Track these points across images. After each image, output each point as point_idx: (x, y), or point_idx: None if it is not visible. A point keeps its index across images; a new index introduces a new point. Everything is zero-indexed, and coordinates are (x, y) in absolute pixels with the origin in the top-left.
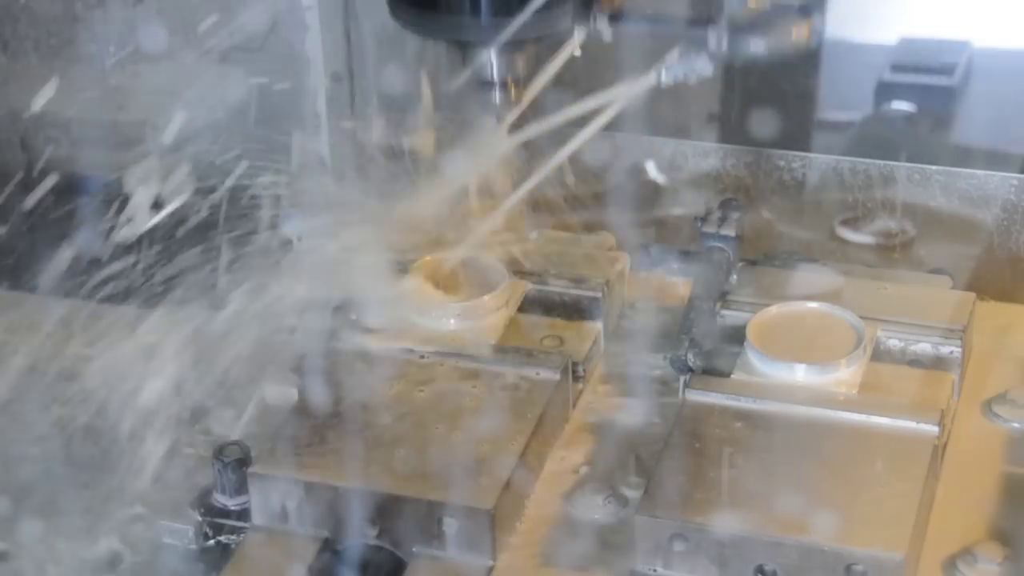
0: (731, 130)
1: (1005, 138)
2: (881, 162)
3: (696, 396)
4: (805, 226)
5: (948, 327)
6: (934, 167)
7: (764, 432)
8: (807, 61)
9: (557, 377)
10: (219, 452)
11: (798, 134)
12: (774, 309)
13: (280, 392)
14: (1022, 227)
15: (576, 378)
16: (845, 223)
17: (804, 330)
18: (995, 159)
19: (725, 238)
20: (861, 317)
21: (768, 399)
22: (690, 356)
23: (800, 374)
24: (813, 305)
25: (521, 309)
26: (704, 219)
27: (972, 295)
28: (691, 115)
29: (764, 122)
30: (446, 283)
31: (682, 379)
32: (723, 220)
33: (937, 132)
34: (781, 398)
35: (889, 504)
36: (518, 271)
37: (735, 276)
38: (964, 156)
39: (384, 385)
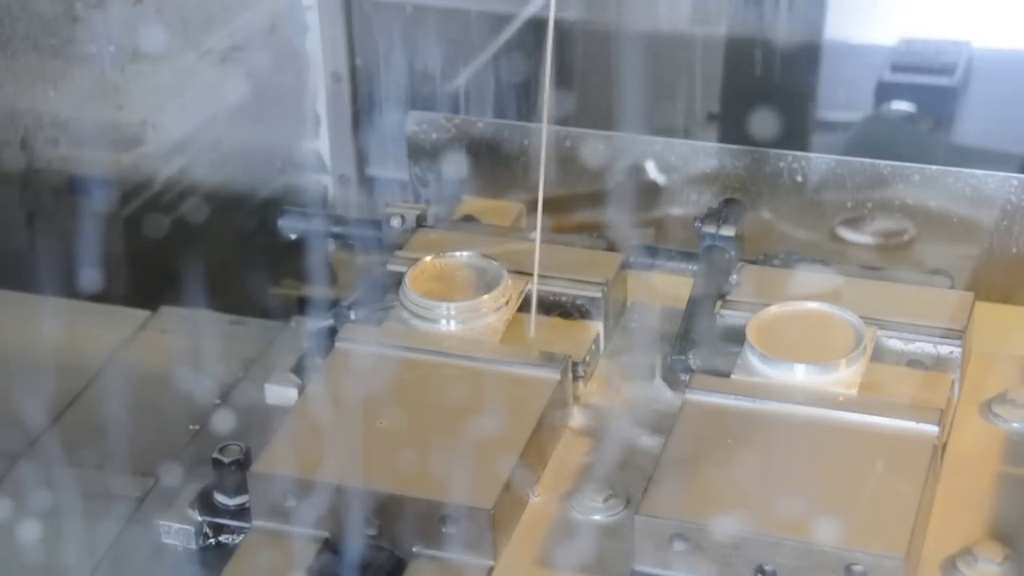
0: (731, 130)
1: (1005, 138)
2: (881, 162)
3: (696, 396)
4: (805, 227)
5: (948, 327)
6: (934, 167)
7: (764, 432)
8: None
9: (557, 377)
10: (219, 452)
11: (798, 134)
12: (774, 309)
13: (280, 392)
14: (1022, 228)
15: (576, 378)
16: (845, 223)
17: (804, 330)
18: (995, 159)
19: (725, 238)
20: (861, 317)
21: (768, 399)
22: (690, 356)
23: (800, 374)
24: (813, 305)
25: (521, 309)
26: (704, 219)
27: (971, 295)
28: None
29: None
30: (446, 283)
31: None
32: (723, 220)
33: (937, 132)
34: (781, 398)
35: (889, 504)
36: (518, 271)
37: (735, 276)
38: (964, 156)
39: (384, 385)
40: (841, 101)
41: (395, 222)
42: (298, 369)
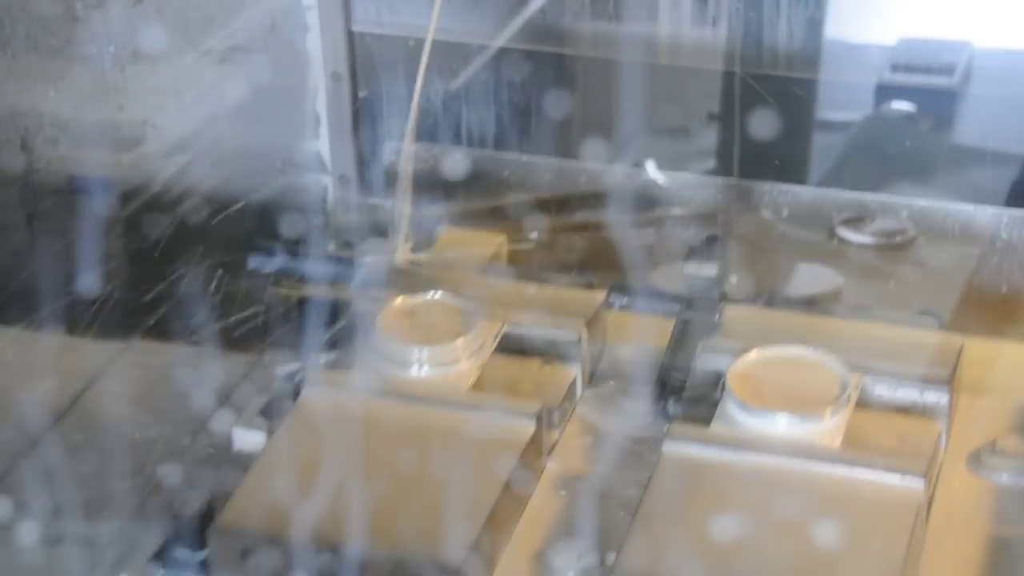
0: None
1: (1005, 138)
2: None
3: (674, 447)
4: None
5: (935, 373)
6: (922, 201)
7: (744, 486)
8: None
9: (532, 425)
10: (180, 503)
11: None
12: (755, 354)
13: (248, 437)
14: (1012, 264)
15: (551, 426)
16: (846, 222)
17: (786, 377)
18: (995, 159)
19: (708, 278)
20: (845, 362)
21: (748, 451)
22: (670, 404)
23: (782, 425)
24: (796, 350)
25: (496, 352)
26: (687, 258)
27: (960, 339)
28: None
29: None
30: (419, 325)
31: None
32: (706, 259)
33: (937, 132)
34: (761, 450)
35: (873, 562)
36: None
37: (718, 317)
38: (964, 156)
39: (352, 434)
40: (840, 101)
41: (368, 260)
42: (267, 412)
